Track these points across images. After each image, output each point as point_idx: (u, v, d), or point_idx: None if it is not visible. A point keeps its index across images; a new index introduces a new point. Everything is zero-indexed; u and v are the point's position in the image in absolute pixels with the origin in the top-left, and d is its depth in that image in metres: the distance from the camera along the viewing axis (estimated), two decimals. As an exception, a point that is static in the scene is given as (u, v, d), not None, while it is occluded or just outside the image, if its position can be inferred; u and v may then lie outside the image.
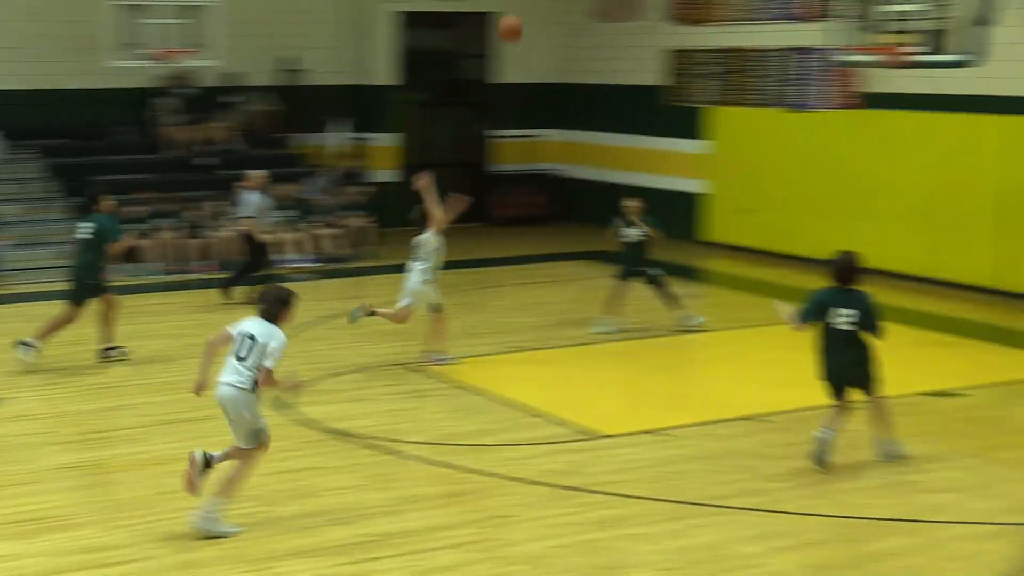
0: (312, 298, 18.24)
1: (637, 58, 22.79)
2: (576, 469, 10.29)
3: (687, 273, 19.27)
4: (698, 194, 21.51)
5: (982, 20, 13.91)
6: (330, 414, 11.81)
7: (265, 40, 22.69)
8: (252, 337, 8.72)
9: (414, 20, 24.00)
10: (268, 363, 8.64)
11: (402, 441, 11.00)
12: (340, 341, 14.94)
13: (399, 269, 19.62)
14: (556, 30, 24.63)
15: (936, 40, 16.40)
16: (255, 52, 22.41)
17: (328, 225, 20.27)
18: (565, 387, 12.88)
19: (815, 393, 12.48)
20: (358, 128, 23.39)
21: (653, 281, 15.01)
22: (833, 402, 10.37)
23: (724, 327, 15.51)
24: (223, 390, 8.73)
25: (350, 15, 23.47)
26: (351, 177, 21.49)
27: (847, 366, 10.25)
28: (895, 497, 9.64)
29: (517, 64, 24.46)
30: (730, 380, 13.26)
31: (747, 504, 9.50)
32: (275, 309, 8.85)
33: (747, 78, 20.67)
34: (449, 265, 19.67)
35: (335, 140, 22.80)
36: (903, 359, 13.83)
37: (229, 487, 8.81)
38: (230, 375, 8.72)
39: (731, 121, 21.02)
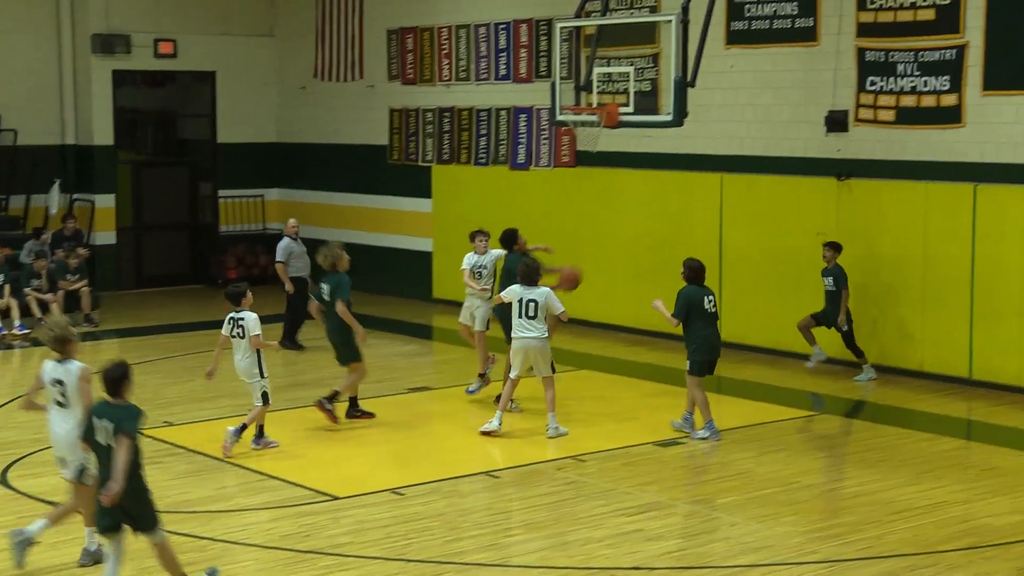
0: (27, 367, 17.56)
1: (361, 119, 22.89)
2: (312, 532, 10.18)
3: (419, 331, 19.39)
4: (429, 252, 21.69)
5: (683, 83, 14.52)
6: (49, 486, 11.33)
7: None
8: (534, 301, 12.74)
9: (130, 79, 23.51)
10: (559, 307, 12.89)
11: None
12: (59, 410, 14.40)
13: (119, 334, 19.28)
14: (278, 89, 24.53)
15: (644, 101, 17.12)
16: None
17: (42, 290, 19.51)
18: (298, 449, 12.73)
19: (542, 448, 12.78)
20: (74, 189, 22.71)
21: None
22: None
23: (452, 384, 15.62)
24: (528, 342, 12.75)
25: (61, 73, 22.77)
26: (68, 240, 20.79)
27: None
28: (628, 546, 9.88)
29: (239, 123, 24.24)
30: (459, 436, 13.36)
31: (485, 559, 9.57)
32: (534, 275, 12.94)
33: (468, 137, 21.02)
34: (174, 328, 19.41)
35: (51, 202, 22.05)
36: (630, 409, 14.29)
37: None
38: (527, 331, 12.75)
39: (453, 179, 21.32)
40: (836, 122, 16.25)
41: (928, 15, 15.45)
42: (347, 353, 13.51)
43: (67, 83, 22.79)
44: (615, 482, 11.56)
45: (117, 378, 8.51)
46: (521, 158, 20.25)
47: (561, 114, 15.94)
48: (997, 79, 14.95)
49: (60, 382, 9.32)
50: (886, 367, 15.86)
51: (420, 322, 20.11)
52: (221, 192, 24.28)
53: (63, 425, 9.29)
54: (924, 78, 15.52)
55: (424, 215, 21.81)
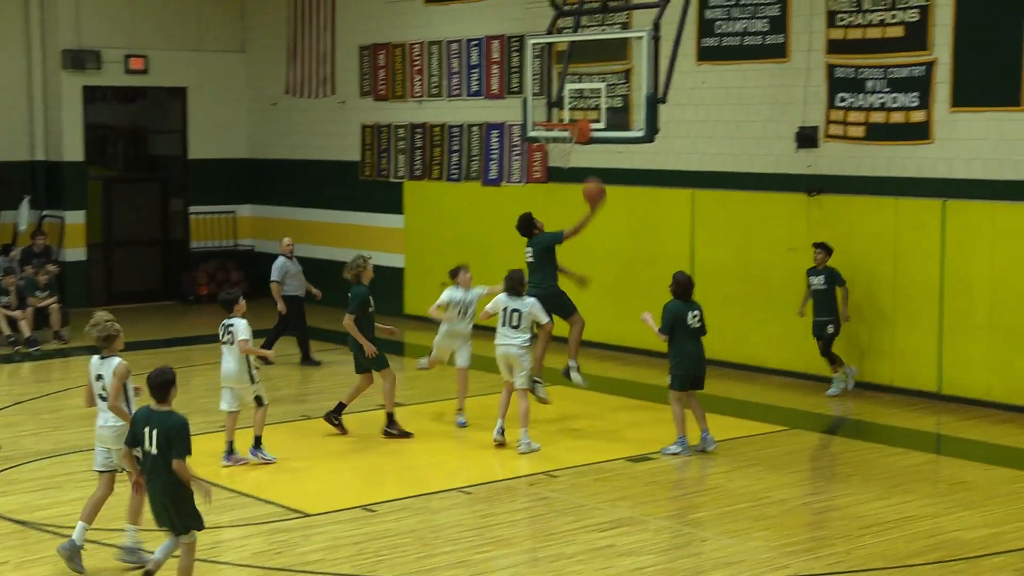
0: (-3, 383, 17.48)
1: (333, 133, 22.88)
2: (284, 549, 10.14)
3: (390, 347, 19.31)
4: (401, 268, 21.67)
5: (655, 99, 14.56)
6: (18, 505, 11.27)
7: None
8: (518, 311, 12.95)
9: (101, 95, 23.44)
10: (544, 318, 13.22)
11: (100, 529, 10.57)
12: (24, 428, 14.32)
13: (89, 351, 19.11)
14: (249, 105, 24.50)
15: (616, 117, 17.17)
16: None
17: (11, 306, 19.39)
18: (268, 466, 12.67)
19: (514, 464, 12.79)
20: (44, 205, 22.60)
21: None
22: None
23: (424, 400, 15.61)
24: (508, 350, 13.00)
25: (31, 88, 22.67)
26: (37, 256, 20.68)
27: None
28: (600, 562, 9.88)
29: (210, 139, 24.18)
30: (429, 453, 13.34)
31: (456, 576, 9.57)
32: (518, 286, 13.06)
33: (440, 153, 21.03)
34: (145, 345, 19.32)
35: (20, 218, 21.93)
36: (602, 425, 14.31)
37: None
38: (508, 339, 12.99)
39: (425, 195, 21.32)
40: (806, 138, 16.34)
41: (897, 32, 15.56)
42: (371, 362, 13.63)
43: (37, 99, 22.70)
44: (587, 497, 11.57)
45: (163, 383, 8.79)
46: (493, 174, 20.27)
47: (533, 130, 15.98)
48: (965, 95, 15.06)
49: (101, 377, 9.72)
50: (856, 382, 15.91)
51: (391, 338, 20.05)
52: (192, 208, 24.22)
53: (103, 419, 9.69)
54: (893, 94, 15.62)
55: (396, 231, 21.80)
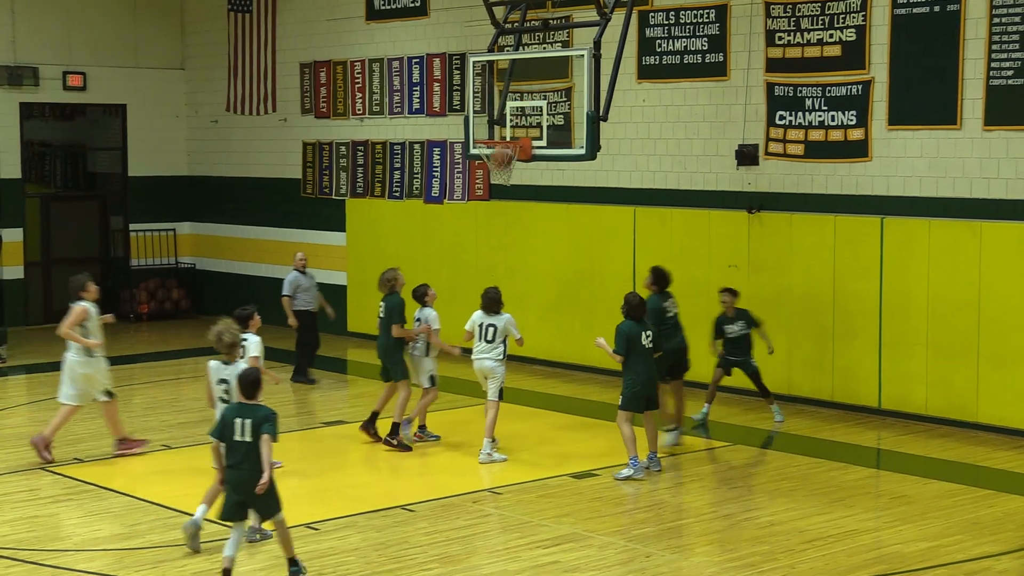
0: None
1: (275, 151, 22.80)
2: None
3: (333, 364, 19.28)
4: (343, 286, 21.61)
5: (596, 117, 14.63)
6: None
7: None
8: (493, 326, 13.19)
9: (39, 111, 23.22)
10: (517, 333, 13.32)
11: (39, 550, 10.47)
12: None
13: (27, 370, 18.96)
14: (189, 122, 24.38)
15: (557, 135, 17.25)
16: None
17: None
18: (209, 485, 12.57)
19: (458, 480, 12.77)
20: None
21: None
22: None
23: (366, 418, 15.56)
24: (483, 363, 13.30)
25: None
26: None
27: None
28: (543, 578, 9.91)
29: (150, 157, 24.03)
30: (373, 471, 13.32)
31: (401, 594, 9.55)
32: (494, 304, 13.31)
33: (382, 171, 21.02)
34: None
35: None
36: (545, 441, 14.33)
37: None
38: (483, 353, 13.29)
39: (367, 213, 21.30)
40: (746, 156, 16.47)
41: (834, 51, 15.75)
42: (394, 371, 14.03)
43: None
44: (531, 514, 11.58)
45: (252, 382, 9.61)
46: (435, 191, 20.28)
47: (475, 148, 15.99)
48: (902, 114, 15.26)
49: (225, 381, 10.64)
50: (797, 397, 16.05)
51: (334, 355, 20.02)
52: (132, 226, 24.04)
53: None
54: (832, 112, 15.80)
55: (338, 248, 21.75)
